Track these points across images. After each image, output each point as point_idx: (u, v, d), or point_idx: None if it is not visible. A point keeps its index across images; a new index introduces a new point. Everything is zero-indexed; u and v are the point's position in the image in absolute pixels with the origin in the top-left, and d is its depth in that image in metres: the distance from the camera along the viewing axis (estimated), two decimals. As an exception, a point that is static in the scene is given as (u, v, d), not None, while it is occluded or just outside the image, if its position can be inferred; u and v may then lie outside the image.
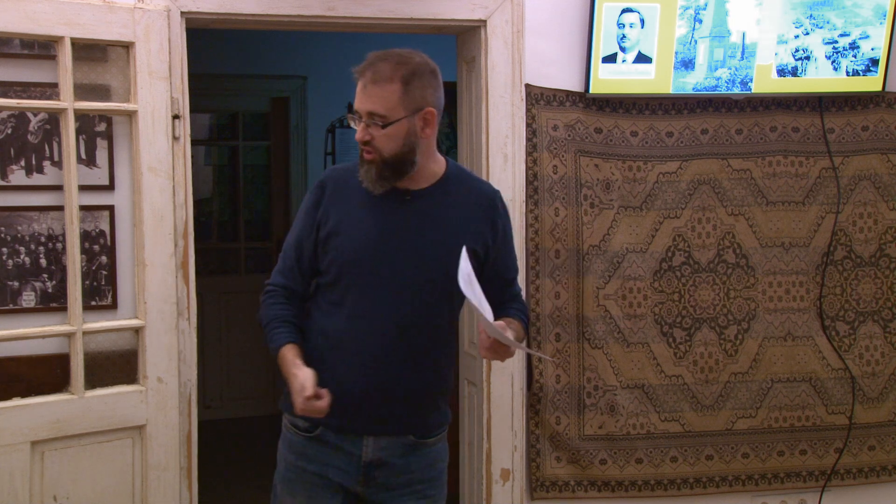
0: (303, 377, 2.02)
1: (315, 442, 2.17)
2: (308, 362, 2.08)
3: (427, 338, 2.16)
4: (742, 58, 3.26)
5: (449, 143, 5.93)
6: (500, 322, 2.07)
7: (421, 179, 2.15)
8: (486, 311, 1.99)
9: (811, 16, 3.26)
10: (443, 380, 2.23)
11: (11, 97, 2.73)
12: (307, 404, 2.00)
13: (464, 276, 1.96)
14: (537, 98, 3.22)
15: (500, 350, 2.05)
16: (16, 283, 2.78)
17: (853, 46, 3.30)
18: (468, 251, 2.04)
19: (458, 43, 3.39)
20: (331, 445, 2.16)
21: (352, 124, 2.10)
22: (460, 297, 2.10)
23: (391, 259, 2.10)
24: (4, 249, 2.77)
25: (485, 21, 3.14)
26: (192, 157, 2.95)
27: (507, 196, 3.13)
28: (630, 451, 3.33)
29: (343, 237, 2.13)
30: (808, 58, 3.29)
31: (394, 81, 2.03)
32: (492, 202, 2.23)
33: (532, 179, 3.22)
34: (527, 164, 3.21)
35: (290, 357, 2.09)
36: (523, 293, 3.17)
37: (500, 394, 3.21)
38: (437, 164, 2.19)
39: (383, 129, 2.04)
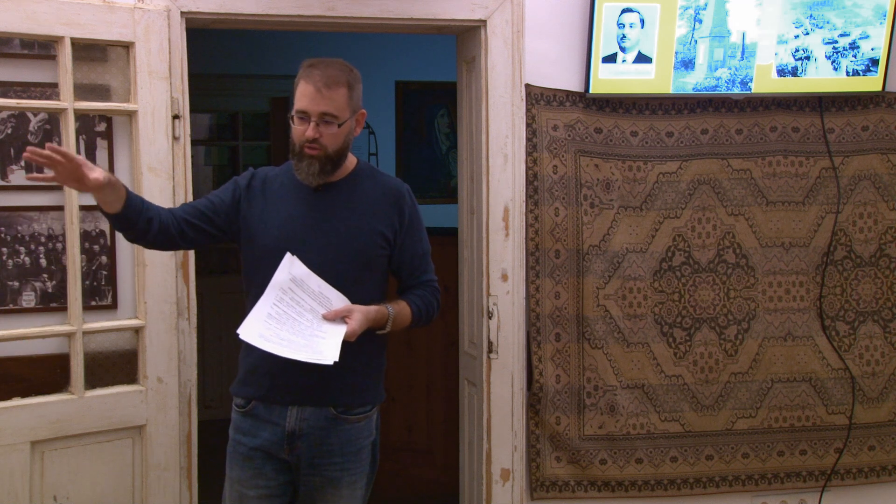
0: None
1: (248, 416, 2.38)
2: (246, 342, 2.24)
3: None
4: (742, 58, 3.26)
5: (449, 143, 5.94)
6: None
7: (335, 173, 2.37)
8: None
9: (811, 16, 3.26)
10: (365, 358, 2.36)
11: (11, 97, 2.73)
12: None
13: (283, 279, 2.24)
14: (537, 98, 3.22)
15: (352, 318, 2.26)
16: (16, 283, 2.78)
17: (853, 46, 3.30)
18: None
19: (458, 43, 3.39)
20: (261, 418, 2.36)
21: (295, 124, 2.30)
22: (380, 279, 2.39)
23: (304, 242, 2.31)
24: (4, 249, 2.77)
25: (485, 21, 3.14)
26: (192, 157, 2.95)
27: (507, 196, 3.16)
28: (630, 451, 3.33)
29: (264, 226, 2.36)
30: (808, 58, 3.29)
31: (342, 86, 2.28)
32: (399, 193, 2.43)
33: (532, 179, 3.22)
34: (527, 164, 3.21)
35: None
36: (523, 292, 3.19)
37: (499, 394, 3.21)
38: (349, 161, 2.41)
39: (338, 128, 2.28)
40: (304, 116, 2.27)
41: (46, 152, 2.08)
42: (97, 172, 2.12)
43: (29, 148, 2.11)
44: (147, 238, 2.31)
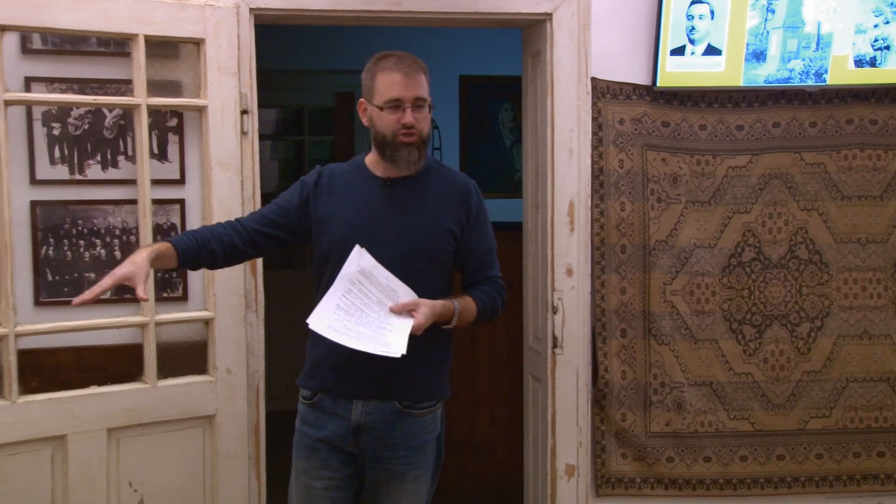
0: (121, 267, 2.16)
1: (315, 408, 2.40)
2: (313, 335, 2.27)
3: None
4: (817, 48, 3.17)
5: (513, 137, 5.92)
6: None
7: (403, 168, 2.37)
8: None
9: (892, 3, 3.14)
10: (431, 352, 2.36)
11: (88, 93, 2.81)
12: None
13: (352, 270, 2.26)
14: (603, 92, 3.18)
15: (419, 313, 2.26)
16: (92, 275, 2.86)
17: (935, 35, 3.18)
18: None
19: (524, 36, 3.37)
20: (327, 411, 2.38)
21: (385, 114, 2.30)
22: (445, 274, 2.38)
23: (373, 237, 2.32)
24: (82, 242, 2.86)
25: (550, 14, 3.11)
26: (259, 151, 2.99)
27: (572, 190, 3.14)
28: (698, 450, 3.27)
29: (333, 221, 2.38)
30: (887, 47, 3.18)
31: (422, 72, 2.33)
32: (466, 188, 2.43)
33: (598, 174, 3.18)
34: (592, 158, 3.18)
35: (143, 248, 2.27)
36: (588, 287, 3.17)
37: (564, 389, 3.18)
38: None
39: (428, 112, 2.33)
40: (397, 104, 2.28)
41: (91, 297, 2.13)
42: (139, 277, 2.13)
43: (75, 301, 2.17)
44: (215, 266, 2.43)
